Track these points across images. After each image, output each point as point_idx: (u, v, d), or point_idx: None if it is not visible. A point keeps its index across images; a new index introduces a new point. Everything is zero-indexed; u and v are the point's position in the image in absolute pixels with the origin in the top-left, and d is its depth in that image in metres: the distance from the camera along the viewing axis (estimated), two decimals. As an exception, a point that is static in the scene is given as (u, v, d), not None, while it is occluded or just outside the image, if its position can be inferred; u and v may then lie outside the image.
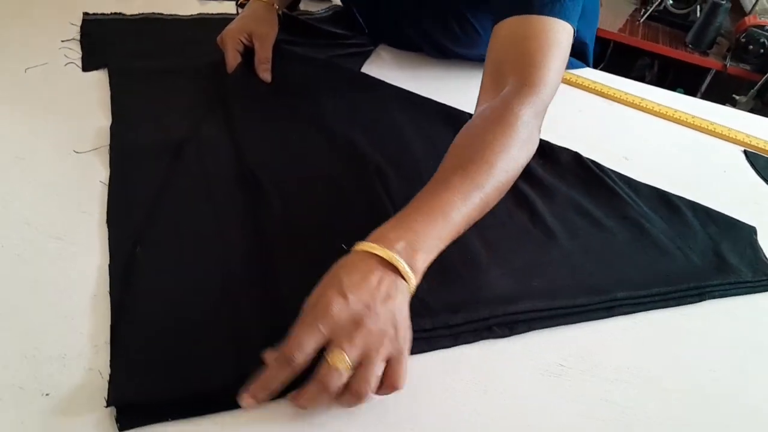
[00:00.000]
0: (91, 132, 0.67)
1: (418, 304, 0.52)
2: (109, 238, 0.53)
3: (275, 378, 0.42)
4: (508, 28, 0.64)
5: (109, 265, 0.50)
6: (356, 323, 0.42)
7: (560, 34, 0.63)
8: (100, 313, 0.47)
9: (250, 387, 0.42)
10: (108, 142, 0.65)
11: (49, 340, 0.45)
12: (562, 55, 0.63)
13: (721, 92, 1.96)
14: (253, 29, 0.83)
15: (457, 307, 0.52)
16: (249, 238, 0.56)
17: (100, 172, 0.61)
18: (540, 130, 0.60)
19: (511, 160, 0.54)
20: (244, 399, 0.42)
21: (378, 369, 0.42)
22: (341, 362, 0.41)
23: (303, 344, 0.41)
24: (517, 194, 0.67)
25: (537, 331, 0.53)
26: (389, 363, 0.43)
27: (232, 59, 0.81)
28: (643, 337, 0.54)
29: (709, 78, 1.99)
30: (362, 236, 0.57)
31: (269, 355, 0.42)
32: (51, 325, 0.46)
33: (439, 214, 0.49)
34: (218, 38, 0.82)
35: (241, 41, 0.82)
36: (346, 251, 0.55)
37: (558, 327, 0.53)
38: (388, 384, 0.43)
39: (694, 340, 0.55)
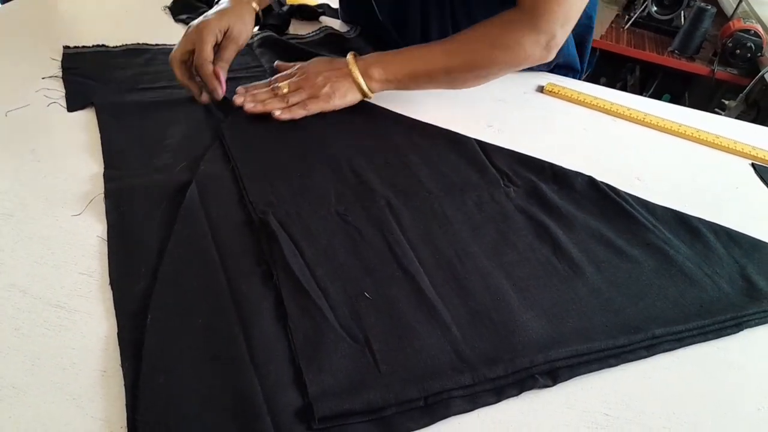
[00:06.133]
0: (82, 179, 0.62)
1: (455, 356, 0.49)
2: (114, 303, 0.49)
3: (261, 95, 0.77)
4: None
5: (118, 335, 0.46)
6: (307, 78, 0.78)
7: None
8: (113, 392, 0.42)
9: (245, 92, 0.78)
10: (102, 189, 0.60)
11: (57, 428, 0.40)
12: None
13: (707, 97, 1.96)
14: (233, 25, 0.78)
15: (495, 358, 0.49)
16: (262, 289, 0.53)
17: (96, 227, 0.56)
18: (539, 45, 0.75)
19: (487, 50, 0.76)
20: (237, 95, 0.77)
21: (300, 94, 0.77)
22: (285, 87, 0.77)
23: (279, 81, 0.79)
24: (536, 225, 0.64)
25: (578, 377, 0.50)
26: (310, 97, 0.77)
27: (210, 54, 0.75)
28: (684, 375, 0.52)
29: (694, 83, 2.00)
30: (383, 281, 0.54)
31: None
32: (58, 410, 0.41)
33: (407, 56, 0.79)
34: (192, 29, 0.76)
35: (217, 36, 0.77)
36: (370, 299, 0.53)
37: (599, 371, 0.51)
38: (303, 103, 0.77)
39: (736, 375, 0.53)
